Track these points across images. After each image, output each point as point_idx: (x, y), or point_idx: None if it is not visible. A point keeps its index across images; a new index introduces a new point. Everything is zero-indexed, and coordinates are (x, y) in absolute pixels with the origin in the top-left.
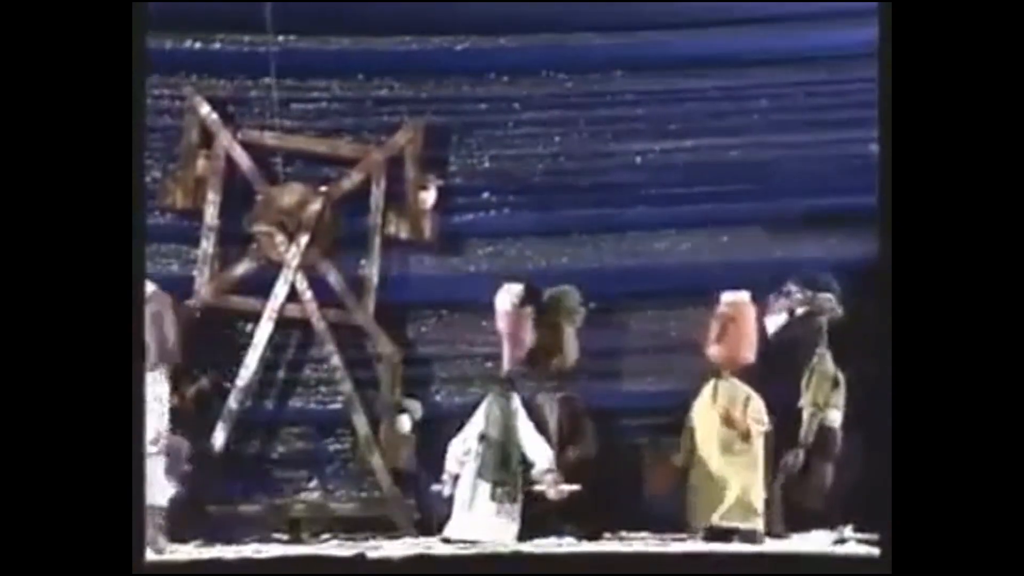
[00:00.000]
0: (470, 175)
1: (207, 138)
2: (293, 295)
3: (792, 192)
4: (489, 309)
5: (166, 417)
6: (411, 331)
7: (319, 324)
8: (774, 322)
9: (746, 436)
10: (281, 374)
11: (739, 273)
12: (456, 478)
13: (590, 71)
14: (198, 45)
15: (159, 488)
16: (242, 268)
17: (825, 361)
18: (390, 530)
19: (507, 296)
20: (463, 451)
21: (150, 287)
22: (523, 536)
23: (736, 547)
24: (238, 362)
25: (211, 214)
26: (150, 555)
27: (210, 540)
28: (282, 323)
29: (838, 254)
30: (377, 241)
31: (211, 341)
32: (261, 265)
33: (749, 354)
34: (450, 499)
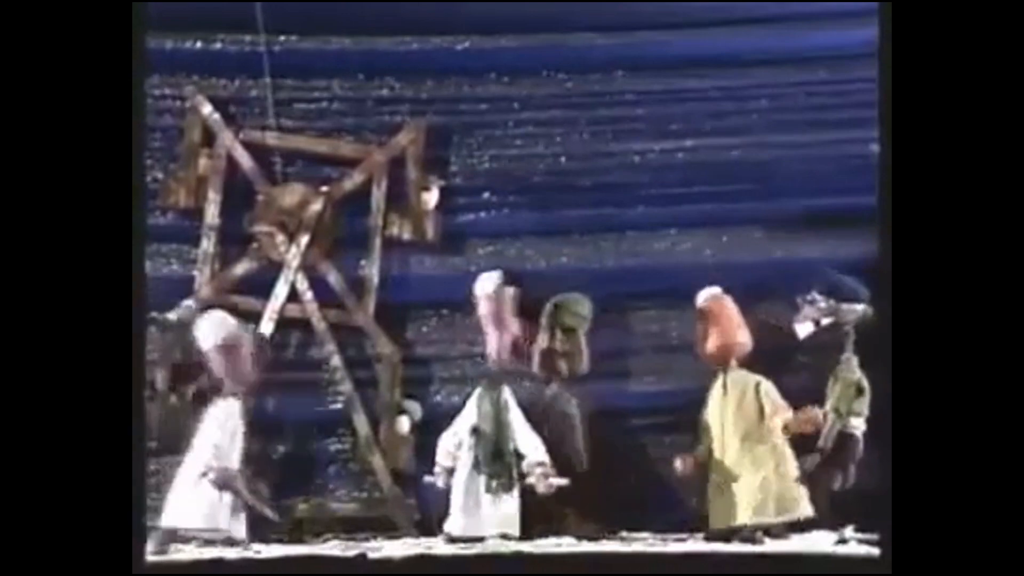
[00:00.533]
0: (470, 175)
1: (209, 138)
2: (293, 295)
3: (792, 192)
4: None
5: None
6: (411, 331)
7: (319, 324)
8: (803, 330)
9: (763, 422)
10: (281, 374)
11: (739, 273)
12: (450, 471)
13: (590, 71)
14: (199, 45)
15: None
16: (242, 268)
17: (850, 367)
18: (391, 530)
19: (487, 283)
20: (454, 444)
21: (231, 322)
22: (524, 529)
23: (736, 547)
24: None
25: (212, 213)
26: (150, 555)
27: (210, 540)
28: (282, 323)
29: (838, 254)
30: (378, 241)
31: None
32: (262, 265)
33: (743, 338)
34: (447, 495)
